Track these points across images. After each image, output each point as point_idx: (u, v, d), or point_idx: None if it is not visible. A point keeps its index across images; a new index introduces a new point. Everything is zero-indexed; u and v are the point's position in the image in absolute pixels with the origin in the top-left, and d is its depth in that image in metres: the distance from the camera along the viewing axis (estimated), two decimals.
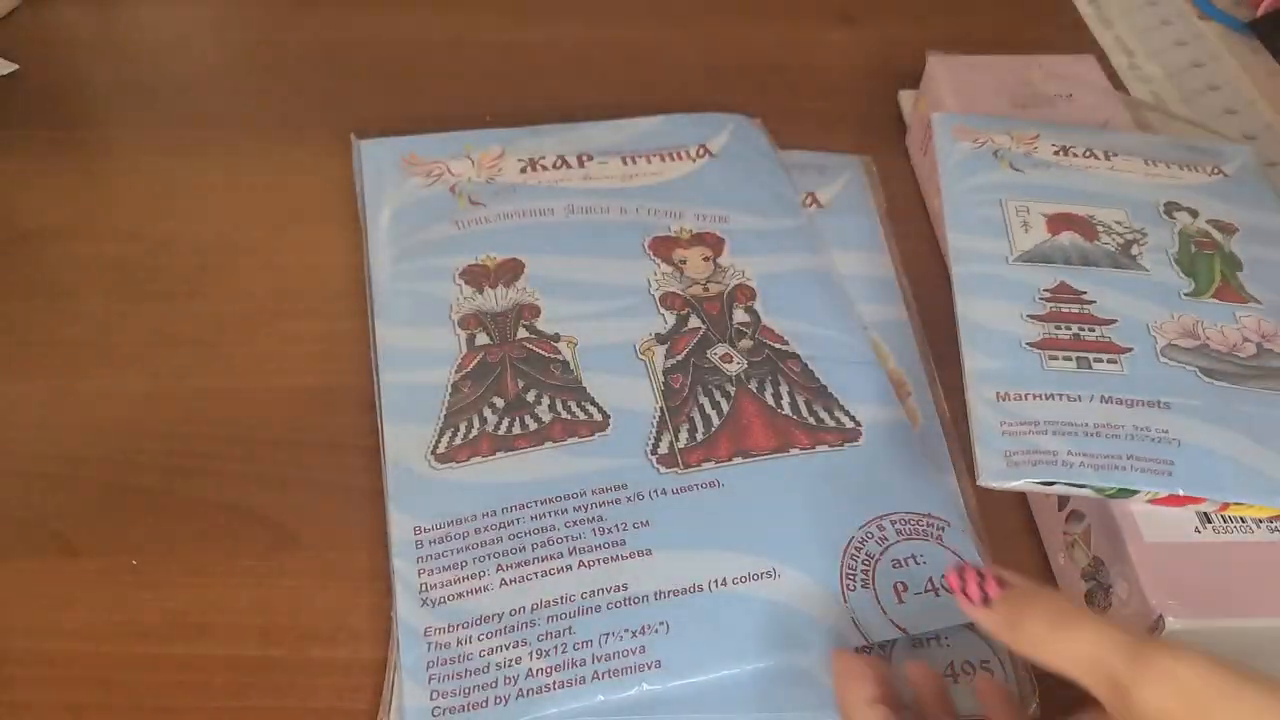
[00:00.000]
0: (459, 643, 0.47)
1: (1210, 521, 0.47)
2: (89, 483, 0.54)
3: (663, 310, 0.61)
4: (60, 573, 0.50)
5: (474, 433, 0.55)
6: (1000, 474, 0.47)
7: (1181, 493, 0.46)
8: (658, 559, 0.49)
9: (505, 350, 0.58)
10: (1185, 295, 0.55)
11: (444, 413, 0.56)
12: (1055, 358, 0.52)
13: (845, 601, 0.48)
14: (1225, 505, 0.47)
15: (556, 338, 0.59)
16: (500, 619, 0.47)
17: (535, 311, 0.60)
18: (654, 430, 0.55)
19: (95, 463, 0.54)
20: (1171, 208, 0.60)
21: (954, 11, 0.84)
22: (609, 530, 0.50)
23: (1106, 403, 0.50)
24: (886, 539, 0.50)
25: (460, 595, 0.48)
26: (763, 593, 0.48)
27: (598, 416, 0.55)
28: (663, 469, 0.53)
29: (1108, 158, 0.63)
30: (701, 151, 0.70)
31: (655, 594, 0.48)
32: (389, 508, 0.52)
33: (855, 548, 0.50)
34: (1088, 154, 0.64)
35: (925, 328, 0.62)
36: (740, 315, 0.61)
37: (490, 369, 0.57)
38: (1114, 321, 0.54)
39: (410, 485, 0.53)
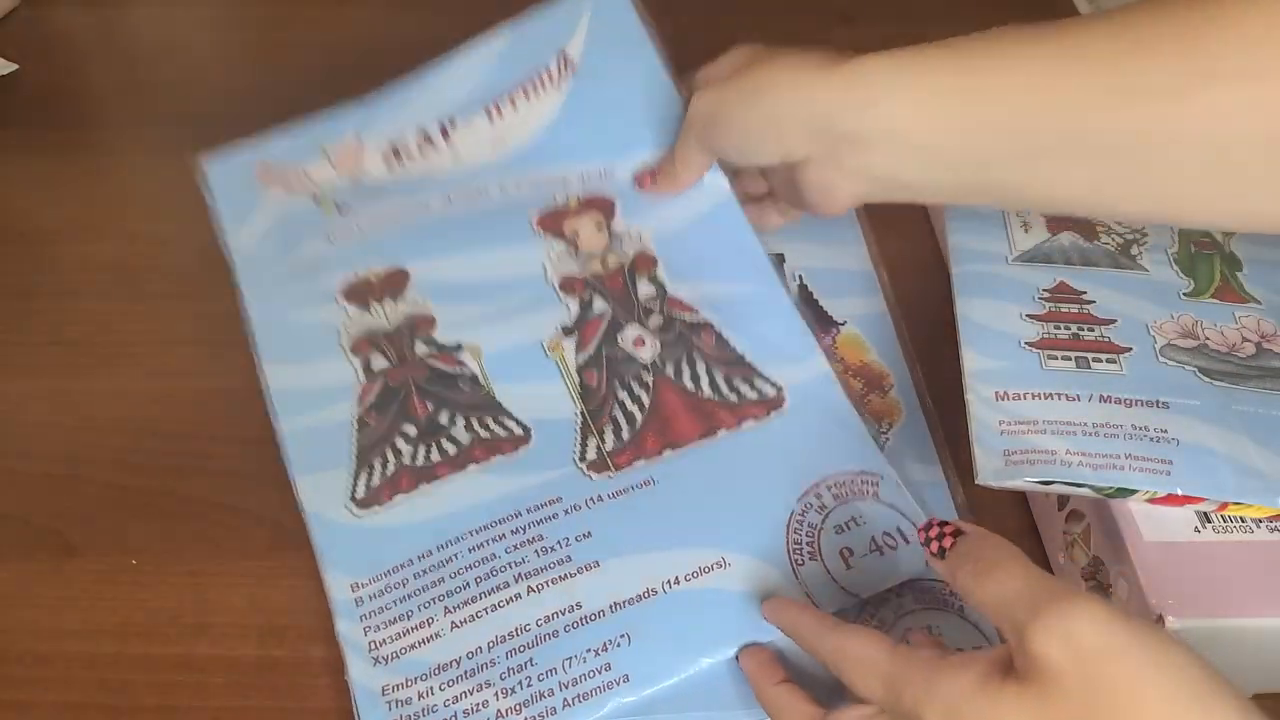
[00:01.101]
0: (420, 696, 0.45)
1: (1210, 521, 0.47)
2: (88, 483, 0.54)
3: (564, 297, 0.57)
4: (59, 572, 0.50)
5: (390, 468, 0.52)
6: (998, 473, 0.47)
7: (1180, 492, 0.46)
8: (607, 570, 0.48)
9: (406, 371, 0.55)
10: (1185, 295, 0.55)
11: (355, 452, 0.52)
12: (1054, 357, 0.52)
13: (797, 578, 0.48)
14: (1224, 505, 0.46)
15: (458, 348, 0.55)
16: (458, 664, 0.46)
17: (430, 323, 0.56)
18: (578, 436, 0.52)
19: (95, 463, 0.54)
20: None
21: (953, 12, 0.84)
22: (551, 549, 0.49)
23: (1105, 402, 0.49)
24: (825, 506, 0.50)
25: (412, 647, 0.47)
26: (716, 584, 0.47)
27: (518, 431, 0.53)
28: (594, 475, 0.51)
29: None
30: (562, 65, 0.61)
31: (611, 606, 0.47)
32: (321, 568, 0.49)
33: (797, 521, 0.49)
34: None
35: (907, 320, 0.61)
36: (645, 288, 0.57)
37: (394, 394, 0.54)
38: (1113, 321, 0.53)
39: (337, 539, 0.50)
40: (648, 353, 0.55)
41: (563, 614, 0.47)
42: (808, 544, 0.49)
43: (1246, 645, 0.45)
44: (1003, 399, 0.50)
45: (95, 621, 0.49)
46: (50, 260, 0.64)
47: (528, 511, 0.50)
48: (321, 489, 0.51)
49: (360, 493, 0.51)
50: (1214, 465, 0.47)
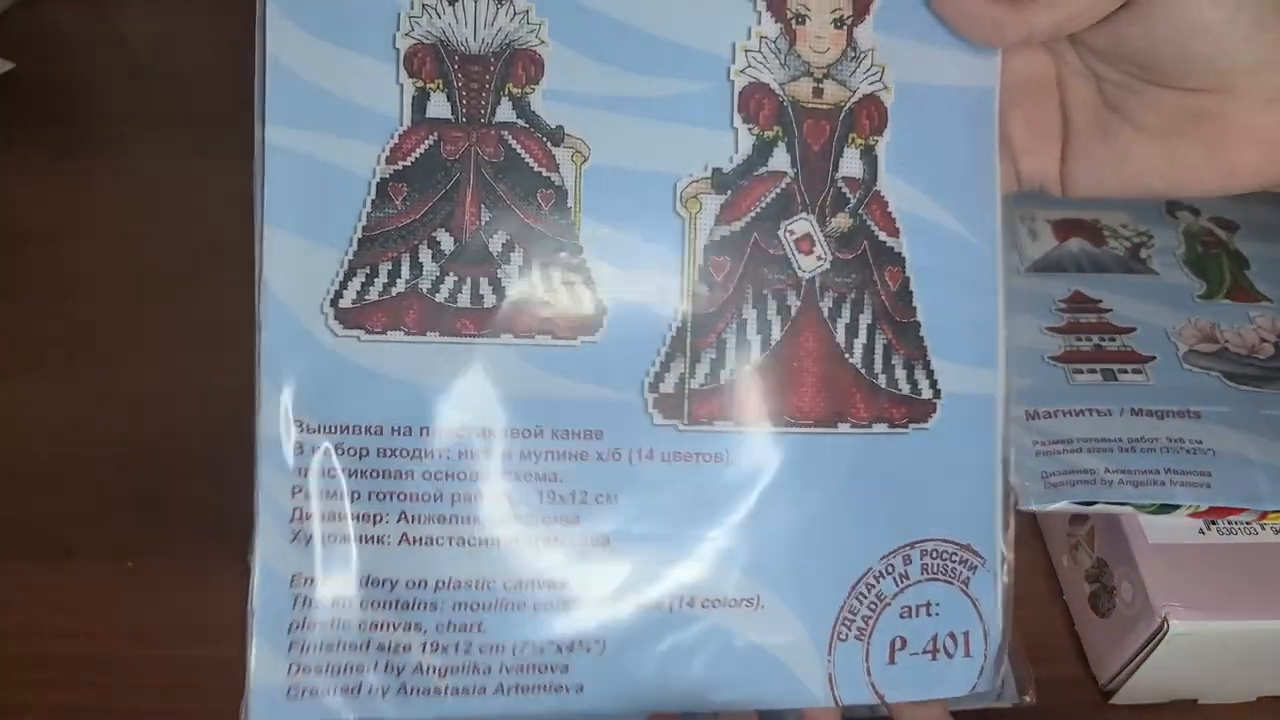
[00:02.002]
0: (334, 604, 0.36)
1: (1215, 523, 0.46)
2: (85, 484, 0.53)
3: (739, 118, 0.37)
4: (56, 574, 0.50)
5: (399, 285, 0.36)
6: (1041, 496, 0.46)
7: (1222, 504, 0.45)
8: (615, 552, 0.37)
9: (473, 139, 0.36)
10: (1199, 298, 0.54)
11: (358, 234, 0.36)
12: (1080, 371, 0.51)
13: (830, 652, 0.38)
14: (1264, 515, 0.46)
15: (559, 135, 0.36)
16: (392, 587, 0.36)
17: (535, 67, 0.36)
18: (664, 349, 0.37)
19: (91, 464, 0.54)
20: (1173, 207, 0.59)
21: None
22: (563, 499, 0.37)
23: (1137, 415, 0.48)
24: (908, 577, 0.39)
25: (345, 538, 0.36)
26: (736, 624, 0.38)
27: (588, 307, 0.37)
28: (659, 417, 0.37)
29: None
30: None
31: (599, 600, 0.37)
32: (258, 373, 0.37)
33: (867, 584, 0.39)
34: None
35: None
36: (851, 161, 0.38)
37: (442, 170, 0.36)
38: (1133, 330, 0.52)
39: (295, 346, 0.36)
40: (811, 264, 0.38)
41: (539, 586, 0.37)
42: (864, 617, 0.39)
43: (1251, 648, 0.45)
44: (1034, 418, 0.49)
45: (92, 624, 0.48)
46: (47, 259, 0.63)
47: (553, 434, 0.37)
48: (294, 261, 0.36)
49: (347, 299, 0.36)
50: (1251, 474, 0.46)
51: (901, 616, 0.39)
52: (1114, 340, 0.52)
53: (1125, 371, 0.51)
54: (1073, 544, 0.49)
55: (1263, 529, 0.46)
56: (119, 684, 0.46)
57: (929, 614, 0.39)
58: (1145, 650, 0.44)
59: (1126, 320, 0.53)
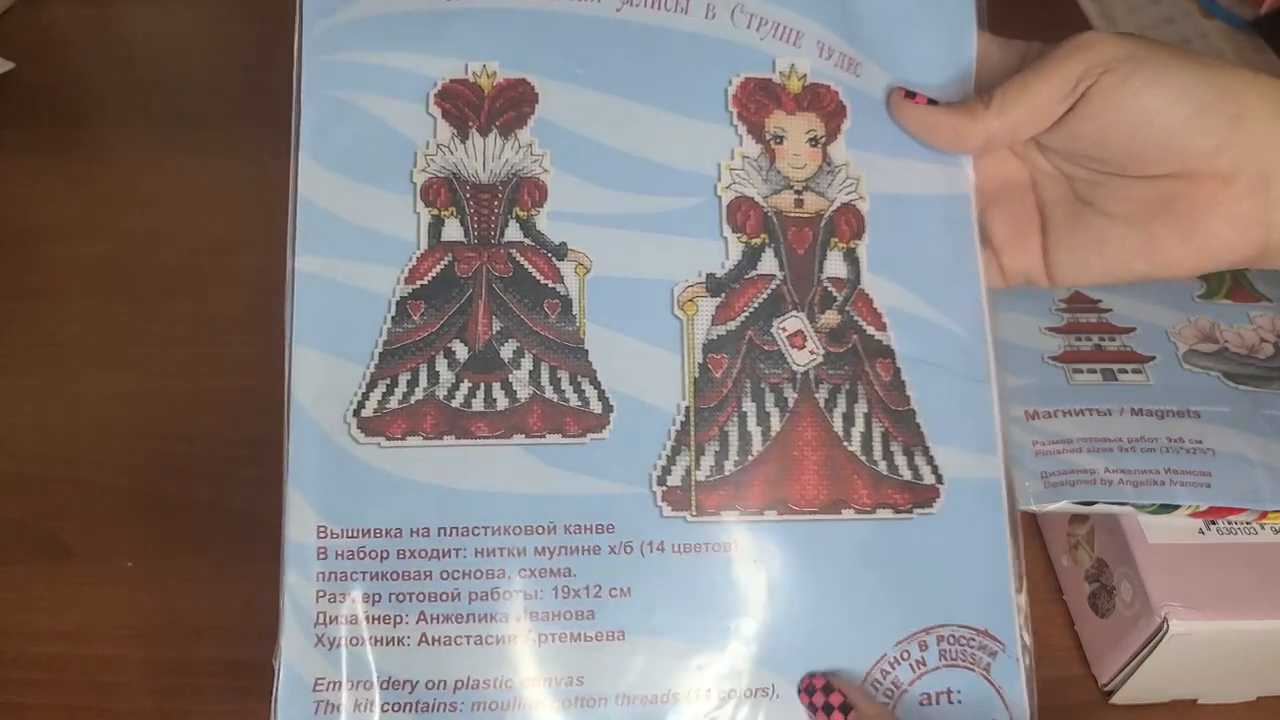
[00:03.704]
0: (355, 707, 0.37)
1: (1214, 523, 0.46)
2: (85, 484, 0.53)
3: (728, 228, 0.40)
4: (56, 575, 0.50)
5: (418, 394, 0.38)
6: (1040, 496, 0.46)
7: (1221, 504, 0.45)
8: (631, 647, 0.38)
9: (484, 258, 0.39)
10: (1198, 297, 0.54)
11: (379, 349, 0.38)
12: (1080, 371, 0.51)
13: None
14: (1264, 515, 0.46)
15: (563, 250, 0.39)
16: (412, 689, 0.37)
17: (540, 192, 0.40)
18: (670, 444, 0.39)
19: (91, 464, 0.53)
20: None
21: None
22: (577, 594, 0.38)
23: (1137, 415, 0.48)
24: (925, 664, 0.39)
25: (366, 642, 0.37)
26: (753, 714, 0.38)
27: (595, 406, 0.39)
28: (668, 509, 0.38)
29: None
30: None
31: (617, 698, 0.38)
32: (287, 486, 0.38)
33: (883, 671, 0.39)
34: None
35: None
36: (835, 264, 0.40)
37: (456, 287, 0.39)
38: (1133, 329, 0.52)
39: (320, 455, 0.38)
40: (804, 358, 0.40)
41: (558, 684, 0.38)
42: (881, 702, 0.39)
43: (1251, 648, 0.45)
44: (1034, 418, 0.49)
45: (91, 624, 0.48)
46: (45, 259, 0.63)
47: (566, 529, 0.38)
48: (319, 377, 0.39)
49: (369, 409, 0.38)
50: (1250, 473, 0.47)
51: (921, 704, 0.39)
52: (1113, 340, 0.52)
53: (1125, 371, 0.51)
54: (1073, 544, 0.49)
55: (1262, 529, 0.46)
56: (119, 684, 0.46)
57: (950, 701, 0.39)
58: (1145, 650, 0.44)
59: (1126, 320, 0.53)
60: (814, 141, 0.41)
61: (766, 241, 0.40)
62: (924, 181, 0.42)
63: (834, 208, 0.41)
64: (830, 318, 0.40)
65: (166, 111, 0.73)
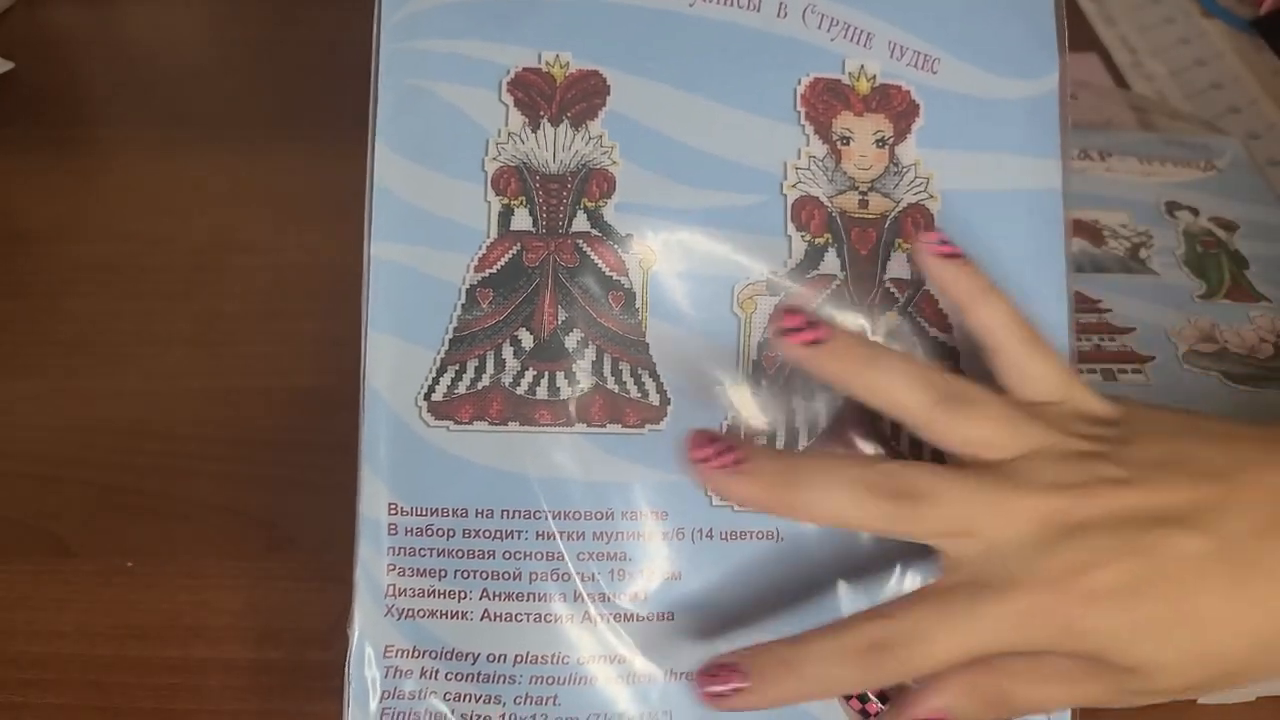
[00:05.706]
0: (422, 674, 0.39)
1: None
2: (84, 484, 0.53)
3: (793, 226, 0.40)
4: (55, 574, 0.49)
5: (484, 380, 0.39)
6: None
7: None
8: (679, 628, 0.39)
9: (552, 248, 0.40)
10: (1199, 297, 0.54)
11: (449, 335, 0.39)
12: (1079, 371, 0.51)
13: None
14: None
15: (629, 243, 0.40)
16: (475, 661, 0.39)
17: (608, 184, 0.40)
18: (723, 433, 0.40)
19: (90, 464, 0.53)
20: (1172, 207, 0.59)
21: None
22: (631, 576, 0.39)
23: None
24: None
25: (432, 614, 0.39)
26: None
27: (654, 398, 0.40)
28: (717, 499, 0.40)
29: (1103, 158, 0.62)
30: None
31: (667, 675, 0.39)
32: (360, 463, 0.40)
33: None
34: (1082, 155, 0.62)
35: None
36: (899, 265, 0.40)
37: (524, 277, 0.40)
38: (1132, 330, 0.52)
39: (394, 437, 0.40)
40: None
41: (609, 661, 0.39)
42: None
43: None
44: None
45: (91, 624, 0.48)
46: (44, 259, 0.63)
47: (623, 515, 0.39)
48: (393, 361, 0.40)
49: (439, 393, 0.39)
50: None
51: None
52: (1113, 340, 0.52)
53: (1125, 371, 0.51)
54: None
55: None
56: (119, 684, 0.46)
57: None
58: None
59: (1126, 320, 0.53)
60: (881, 143, 0.41)
61: (830, 241, 0.40)
62: (1008, 177, 0.41)
63: (900, 208, 0.41)
64: (890, 319, 0.40)
65: (166, 111, 0.73)
